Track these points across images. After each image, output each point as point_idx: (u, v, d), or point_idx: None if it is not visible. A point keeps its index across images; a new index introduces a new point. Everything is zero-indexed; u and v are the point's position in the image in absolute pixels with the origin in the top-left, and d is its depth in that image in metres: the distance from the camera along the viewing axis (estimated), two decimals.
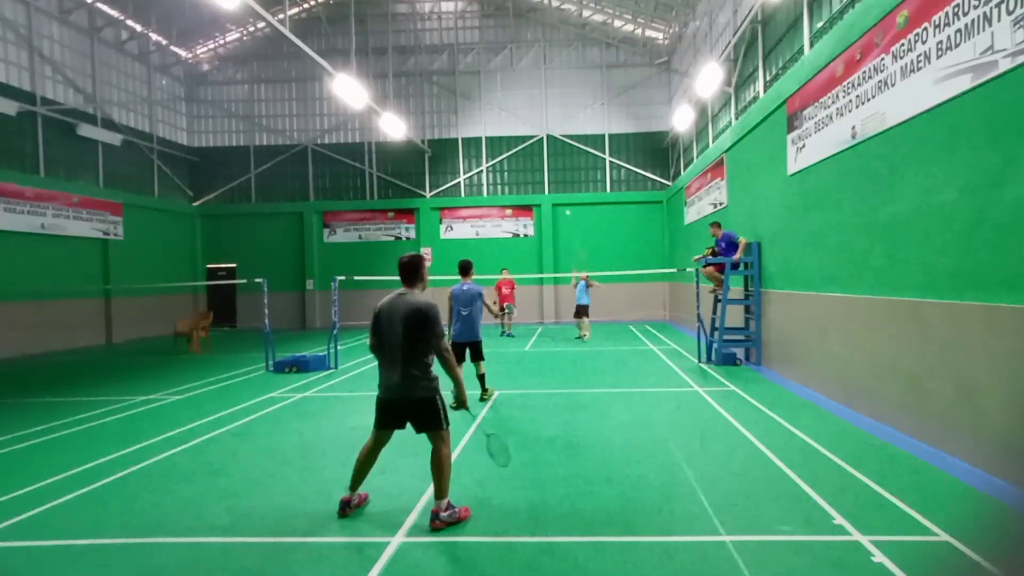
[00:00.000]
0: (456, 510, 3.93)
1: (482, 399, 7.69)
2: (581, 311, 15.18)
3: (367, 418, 6.98)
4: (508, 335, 16.32)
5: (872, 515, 3.87)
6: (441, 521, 3.84)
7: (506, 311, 16.51)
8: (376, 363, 4.08)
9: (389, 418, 4.05)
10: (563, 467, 5.07)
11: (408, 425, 4.03)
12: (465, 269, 7.54)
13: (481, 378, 7.87)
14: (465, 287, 7.42)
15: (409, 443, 5.88)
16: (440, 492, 3.91)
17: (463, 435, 6.12)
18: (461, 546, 3.63)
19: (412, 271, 4.11)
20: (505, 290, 16.86)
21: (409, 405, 3.95)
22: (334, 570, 3.38)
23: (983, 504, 4.09)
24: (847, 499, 4.14)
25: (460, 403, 4.31)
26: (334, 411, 7.55)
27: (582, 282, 15.33)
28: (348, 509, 4.09)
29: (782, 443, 5.56)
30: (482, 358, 7.80)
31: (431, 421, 3.95)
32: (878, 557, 3.31)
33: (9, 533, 3.97)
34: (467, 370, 7.97)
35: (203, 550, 3.66)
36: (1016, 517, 3.90)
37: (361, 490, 4.24)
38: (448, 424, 4.01)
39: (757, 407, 7.07)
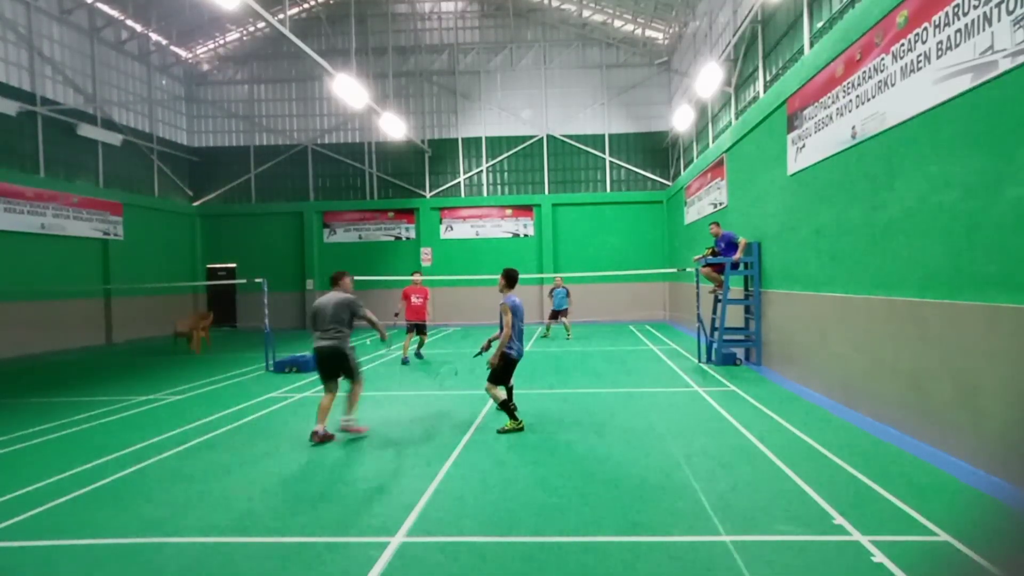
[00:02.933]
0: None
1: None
2: (559, 314, 15.69)
3: (367, 417, 7.01)
4: (406, 361, 11.21)
5: (872, 515, 3.87)
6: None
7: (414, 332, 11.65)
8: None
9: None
10: (563, 467, 5.07)
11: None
12: (515, 279, 6.63)
13: (510, 391, 6.71)
14: (518, 300, 6.55)
15: (410, 443, 5.91)
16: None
17: (463, 435, 6.12)
18: (461, 546, 3.64)
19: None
20: (416, 299, 11.50)
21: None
22: (334, 570, 3.39)
23: (983, 504, 4.09)
24: (847, 499, 4.14)
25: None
26: (334, 411, 7.52)
27: (560, 289, 15.74)
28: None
29: (782, 443, 5.57)
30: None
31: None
32: (878, 557, 3.31)
33: (9, 533, 3.97)
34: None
35: (203, 550, 3.67)
36: (1016, 517, 3.90)
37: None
38: None
39: (757, 407, 7.08)
